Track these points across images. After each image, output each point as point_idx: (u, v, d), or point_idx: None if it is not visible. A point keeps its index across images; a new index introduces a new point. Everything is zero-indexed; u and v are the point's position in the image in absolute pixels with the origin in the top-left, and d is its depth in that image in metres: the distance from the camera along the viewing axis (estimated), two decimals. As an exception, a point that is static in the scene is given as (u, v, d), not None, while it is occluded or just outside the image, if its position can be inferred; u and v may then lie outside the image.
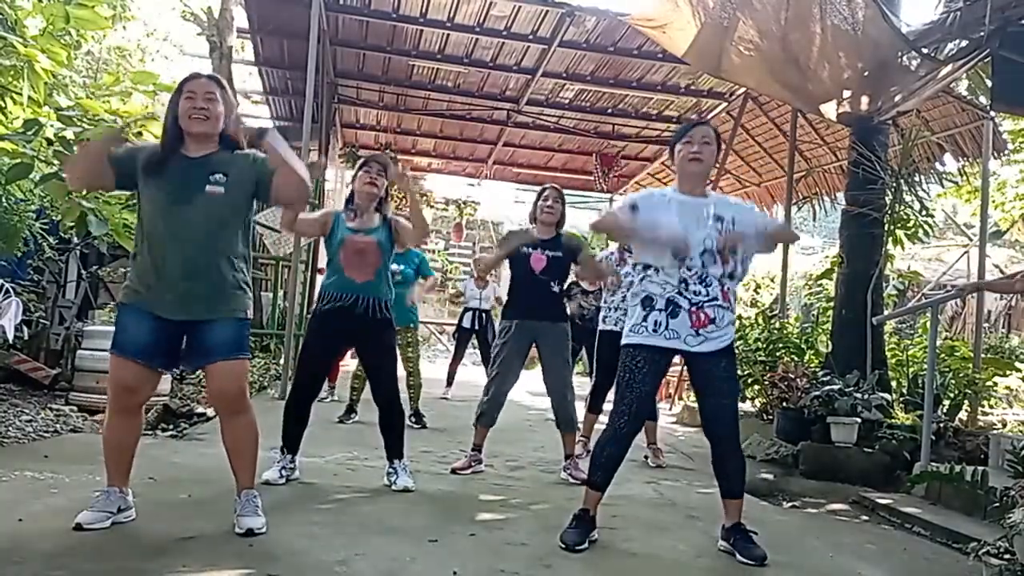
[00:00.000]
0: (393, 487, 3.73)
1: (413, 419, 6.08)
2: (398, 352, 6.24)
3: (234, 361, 2.81)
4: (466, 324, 8.03)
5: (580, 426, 4.63)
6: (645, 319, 3.04)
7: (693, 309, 3.00)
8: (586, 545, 2.96)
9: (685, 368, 3.34)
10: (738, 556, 2.98)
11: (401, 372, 6.28)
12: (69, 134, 3.99)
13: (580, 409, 4.64)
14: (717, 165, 10.68)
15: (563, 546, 2.91)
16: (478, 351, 8.36)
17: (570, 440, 4.41)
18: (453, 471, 4.27)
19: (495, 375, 4.37)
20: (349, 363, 7.59)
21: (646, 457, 5.14)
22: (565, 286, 4.53)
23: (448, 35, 8.98)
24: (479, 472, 4.35)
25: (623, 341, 3.12)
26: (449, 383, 8.09)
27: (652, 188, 3.37)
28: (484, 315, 8.00)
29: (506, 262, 4.44)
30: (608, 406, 5.54)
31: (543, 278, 4.27)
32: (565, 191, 4.76)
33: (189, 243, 2.74)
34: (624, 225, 3.13)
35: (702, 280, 3.02)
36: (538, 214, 4.38)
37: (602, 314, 5.22)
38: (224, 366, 2.79)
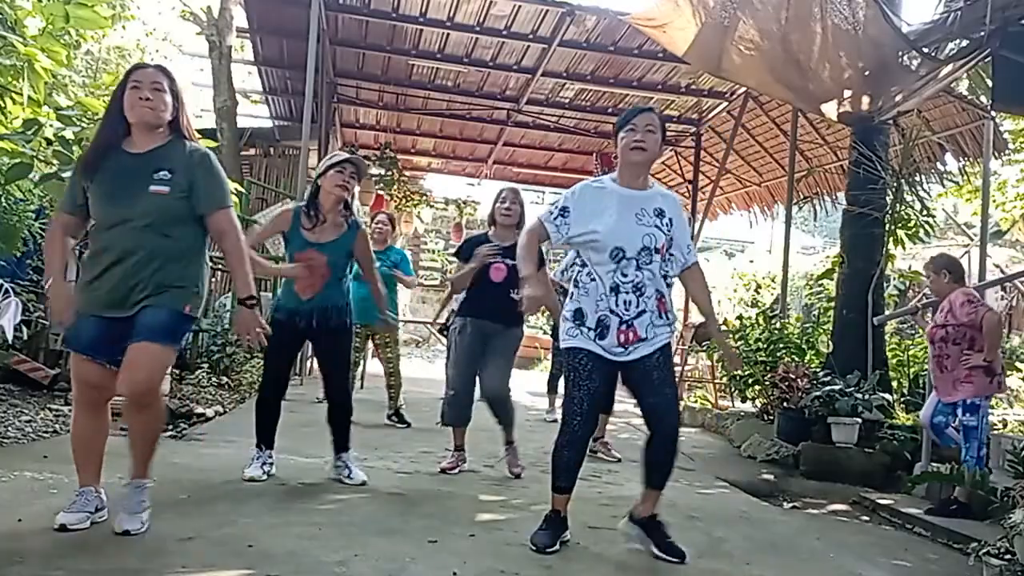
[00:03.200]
0: (348, 480, 3.74)
1: (395, 418, 6.08)
2: (380, 351, 6.26)
3: (151, 345, 2.61)
4: None
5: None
6: (579, 327, 2.96)
7: (622, 328, 2.90)
8: (557, 547, 2.90)
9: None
10: (653, 548, 2.92)
11: (382, 370, 6.29)
12: (68, 134, 3.99)
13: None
14: (718, 165, 10.73)
15: (534, 548, 2.86)
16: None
17: (506, 433, 4.40)
18: (442, 471, 4.29)
19: (454, 374, 4.36)
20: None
21: (594, 452, 5.04)
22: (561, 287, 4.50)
23: (448, 34, 8.97)
24: (464, 471, 4.35)
25: (562, 344, 3.05)
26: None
27: (588, 181, 3.13)
28: None
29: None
30: (618, 406, 5.55)
31: (503, 287, 4.17)
32: (565, 191, 4.73)
33: (131, 241, 2.65)
34: (522, 261, 3.01)
35: (637, 289, 2.90)
36: (496, 216, 4.33)
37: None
38: (139, 348, 2.59)
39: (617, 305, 2.90)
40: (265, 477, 3.69)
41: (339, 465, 3.83)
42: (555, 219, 3.01)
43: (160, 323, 2.65)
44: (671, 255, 3.03)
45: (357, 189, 3.79)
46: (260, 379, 4.02)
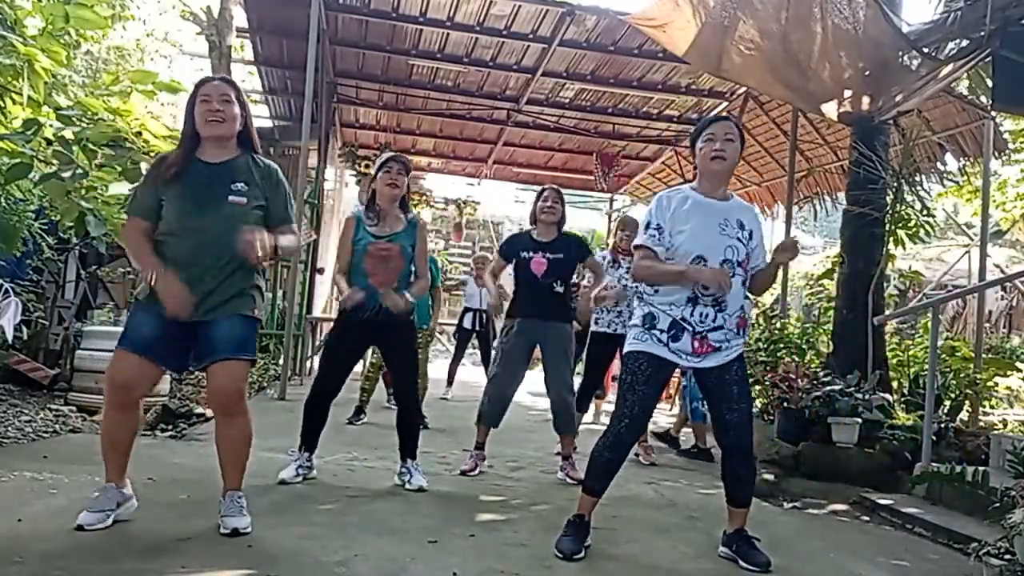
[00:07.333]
0: (407, 486, 3.76)
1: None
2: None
3: (236, 361, 2.80)
4: (466, 324, 8.03)
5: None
6: (649, 331, 2.93)
7: (696, 336, 2.86)
8: (583, 554, 2.89)
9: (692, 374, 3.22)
10: (741, 563, 2.91)
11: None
12: (68, 134, 3.98)
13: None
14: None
15: (560, 555, 2.85)
16: (478, 351, 8.35)
17: (568, 441, 4.41)
18: (463, 473, 4.28)
19: (495, 375, 4.37)
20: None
21: (636, 455, 5.13)
22: (571, 285, 4.53)
23: (448, 34, 8.97)
24: (483, 472, 4.36)
25: (627, 348, 3.03)
26: (449, 383, 8.09)
27: (668, 191, 3.08)
28: (484, 315, 7.98)
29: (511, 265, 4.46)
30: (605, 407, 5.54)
31: (545, 281, 4.30)
32: (565, 191, 4.77)
33: (207, 248, 2.77)
34: (669, 271, 2.88)
35: (717, 304, 2.85)
36: (538, 215, 4.40)
37: (594, 315, 5.21)
38: (225, 365, 2.78)
39: (692, 316, 2.86)
40: (300, 480, 3.71)
41: (403, 471, 3.86)
42: (656, 240, 2.94)
43: (236, 337, 2.80)
44: (751, 267, 2.98)
45: (407, 181, 3.91)
46: (313, 378, 3.99)
